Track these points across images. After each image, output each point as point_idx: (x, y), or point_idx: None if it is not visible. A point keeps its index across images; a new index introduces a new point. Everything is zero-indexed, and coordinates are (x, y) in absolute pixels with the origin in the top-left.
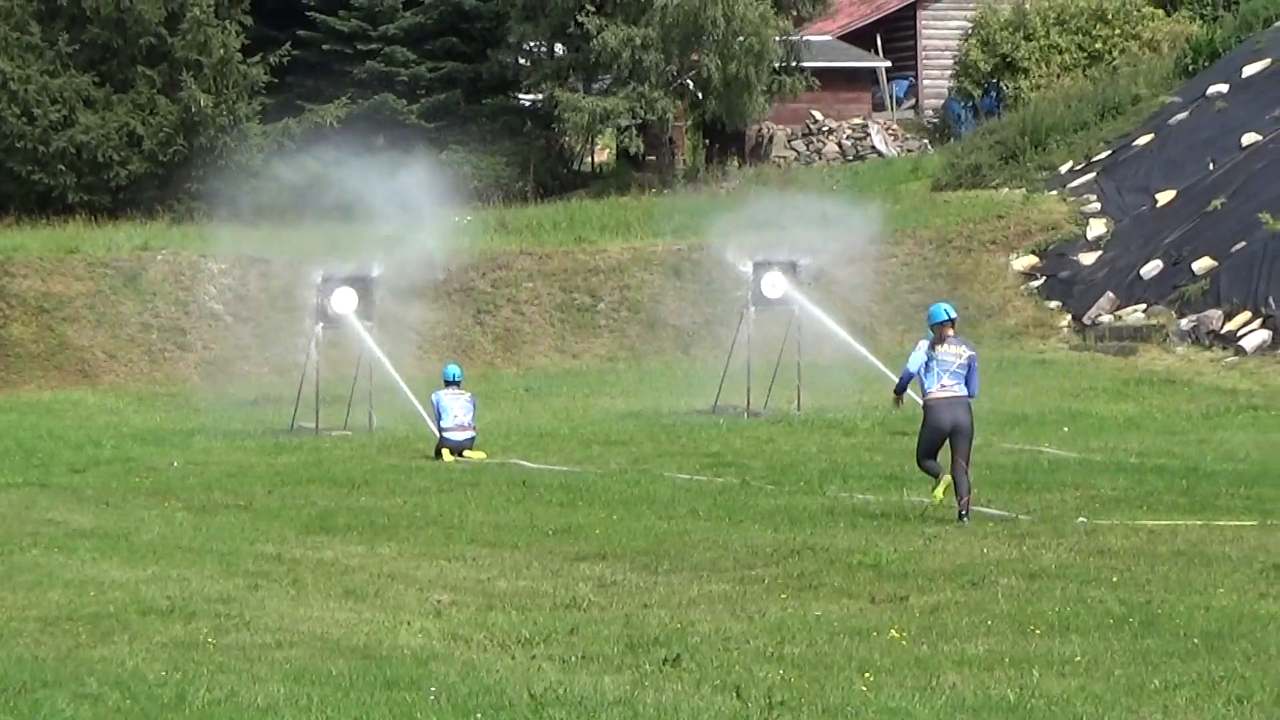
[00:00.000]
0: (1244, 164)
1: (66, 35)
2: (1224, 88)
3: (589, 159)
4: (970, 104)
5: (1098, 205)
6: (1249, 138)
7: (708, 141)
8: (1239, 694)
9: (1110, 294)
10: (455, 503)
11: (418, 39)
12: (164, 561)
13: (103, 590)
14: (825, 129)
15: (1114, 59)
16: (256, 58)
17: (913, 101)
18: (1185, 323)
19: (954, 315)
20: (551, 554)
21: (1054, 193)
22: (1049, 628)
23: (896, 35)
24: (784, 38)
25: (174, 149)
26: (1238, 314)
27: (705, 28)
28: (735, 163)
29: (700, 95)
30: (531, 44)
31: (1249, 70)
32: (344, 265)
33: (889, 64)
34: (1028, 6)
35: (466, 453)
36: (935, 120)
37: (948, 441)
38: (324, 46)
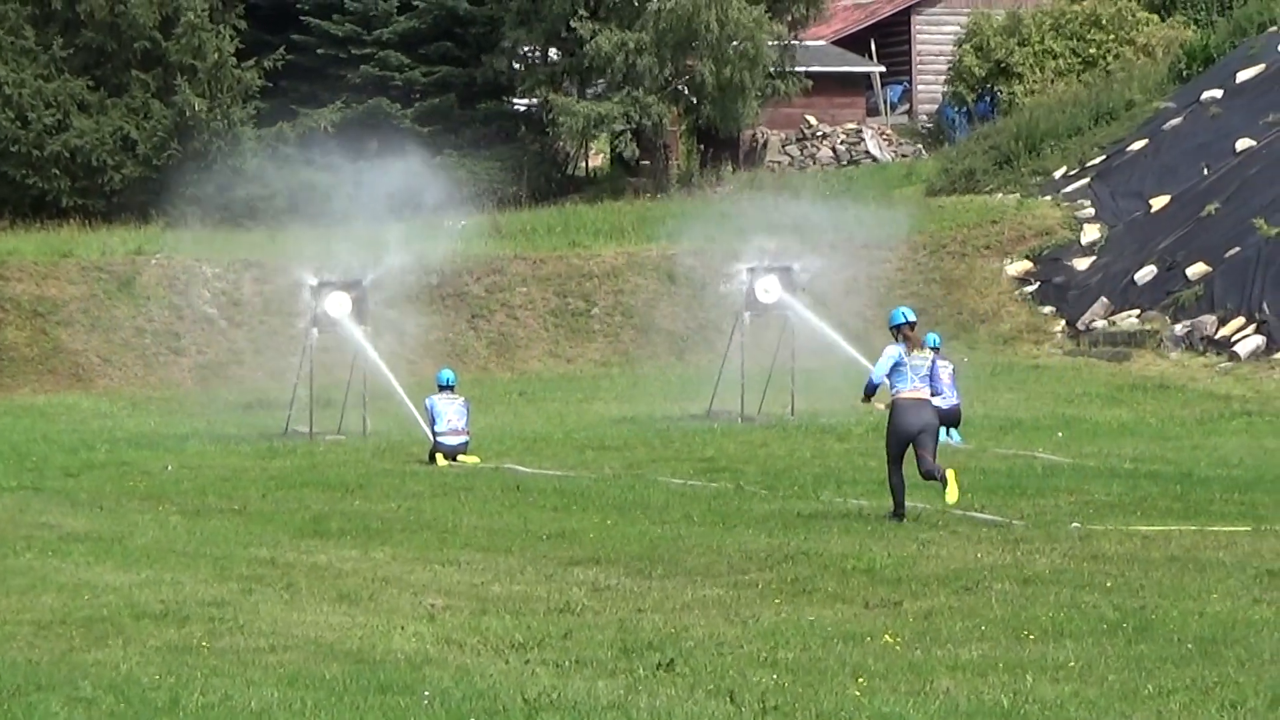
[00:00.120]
0: (1238, 169)
1: (61, 39)
2: (1218, 93)
3: (583, 164)
4: (964, 109)
5: (1092, 210)
6: (1243, 143)
7: (702, 146)
8: (1232, 699)
9: (1104, 299)
10: (449, 507)
11: (412, 43)
12: (158, 565)
13: (96, 594)
14: (819, 134)
15: (1108, 64)
16: (251, 62)
17: (907, 107)
18: (1179, 328)
19: (911, 318)
20: (545, 559)
21: (1048, 198)
22: (1043, 633)
23: (891, 40)
24: (778, 42)
25: (168, 153)
26: (1232, 319)
27: (699, 32)
28: (729, 168)
29: (694, 100)
30: (525, 49)
31: (1243, 75)
32: (338, 270)
33: (883, 69)
34: (1021, 11)
35: (460, 457)
36: (929, 125)
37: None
38: (318, 51)
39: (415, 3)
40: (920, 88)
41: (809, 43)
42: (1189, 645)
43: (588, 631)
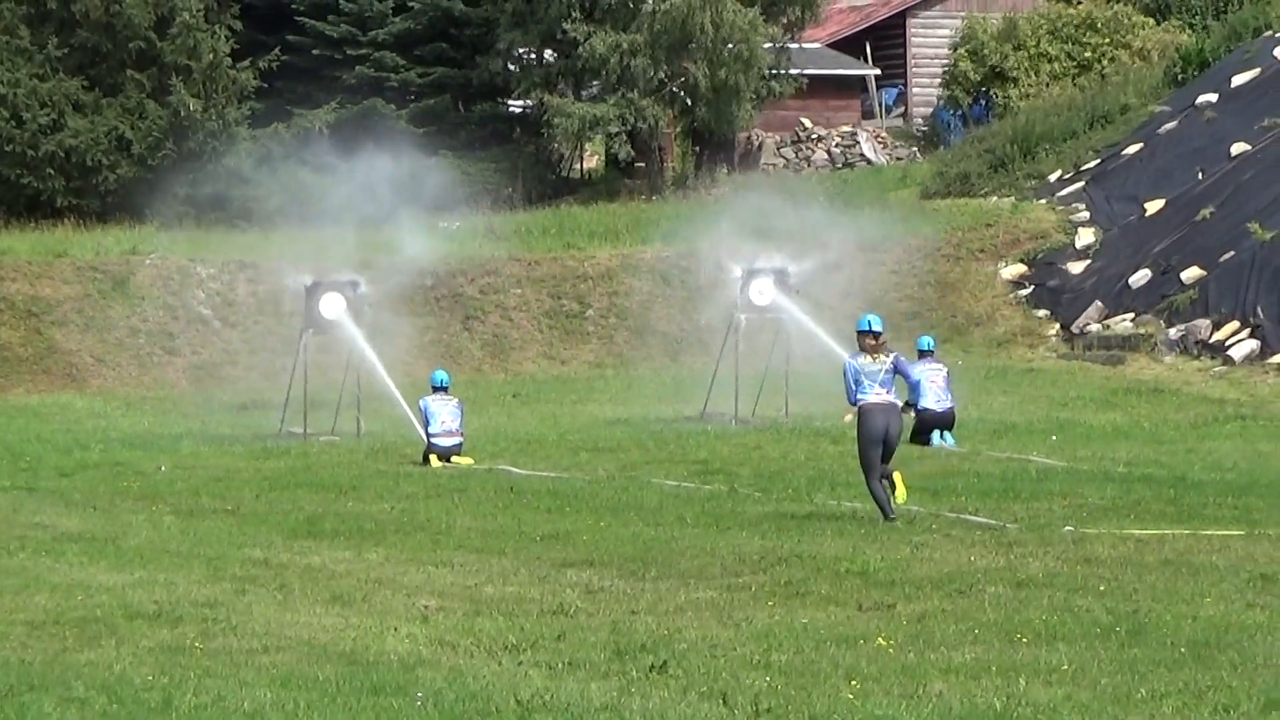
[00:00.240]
0: (1233, 173)
1: (56, 39)
2: (1213, 97)
3: (578, 166)
4: (959, 112)
5: (1086, 214)
6: (1238, 147)
7: (697, 149)
8: (1225, 703)
9: (1099, 303)
10: (443, 508)
11: (407, 44)
12: (151, 566)
13: (90, 594)
14: (814, 136)
15: (1104, 68)
16: (246, 63)
17: (902, 109)
18: (1173, 332)
19: (876, 328)
20: (539, 560)
21: (1043, 201)
22: (1036, 636)
23: (886, 43)
24: (773, 45)
25: (163, 153)
26: (1226, 323)
27: (693, 34)
28: (724, 170)
29: (689, 102)
30: (521, 50)
31: (1238, 80)
32: (332, 270)
33: (878, 72)
34: (1016, 16)
35: (454, 458)
36: (924, 128)
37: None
38: (313, 52)
39: (410, 4)
40: (915, 91)
41: (804, 45)
42: (1182, 649)
43: (581, 633)
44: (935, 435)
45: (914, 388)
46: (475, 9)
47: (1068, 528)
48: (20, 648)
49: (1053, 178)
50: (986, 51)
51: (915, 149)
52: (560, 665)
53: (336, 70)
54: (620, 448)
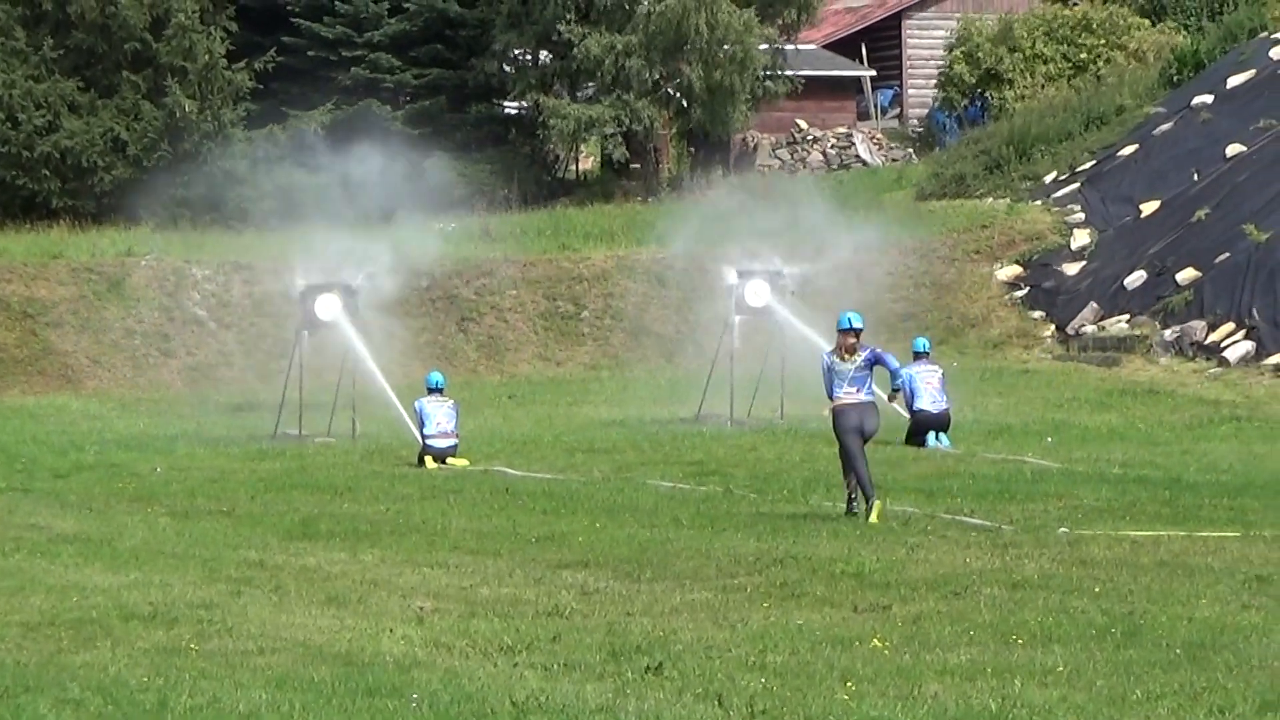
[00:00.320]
0: (1228, 175)
1: (51, 40)
2: (1208, 98)
3: (573, 167)
4: (954, 114)
5: (1082, 215)
6: (1233, 148)
7: (692, 150)
8: (1221, 705)
9: (1094, 304)
10: (438, 510)
11: (403, 46)
12: (146, 567)
13: (85, 596)
14: (810, 138)
15: (1099, 69)
16: (241, 64)
17: (897, 111)
18: (1169, 333)
19: (857, 325)
20: (534, 562)
21: (1038, 203)
22: (1031, 638)
23: (881, 44)
24: (769, 46)
25: (158, 154)
26: (1221, 325)
27: (688, 35)
28: (719, 171)
29: (684, 103)
30: (516, 52)
31: (1233, 81)
32: (327, 272)
33: (873, 73)
34: (1012, 18)
35: (449, 460)
36: (920, 130)
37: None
38: (309, 53)
39: (406, 5)
40: (911, 92)
41: (800, 46)
42: (1177, 650)
43: (576, 634)
44: (930, 437)
45: (894, 374)
46: (470, 10)
47: (1063, 529)
48: (15, 649)
49: (1048, 179)
50: (981, 54)
51: (910, 150)
52: (556, 667)
53: (332, 72)
54: (615, 449)
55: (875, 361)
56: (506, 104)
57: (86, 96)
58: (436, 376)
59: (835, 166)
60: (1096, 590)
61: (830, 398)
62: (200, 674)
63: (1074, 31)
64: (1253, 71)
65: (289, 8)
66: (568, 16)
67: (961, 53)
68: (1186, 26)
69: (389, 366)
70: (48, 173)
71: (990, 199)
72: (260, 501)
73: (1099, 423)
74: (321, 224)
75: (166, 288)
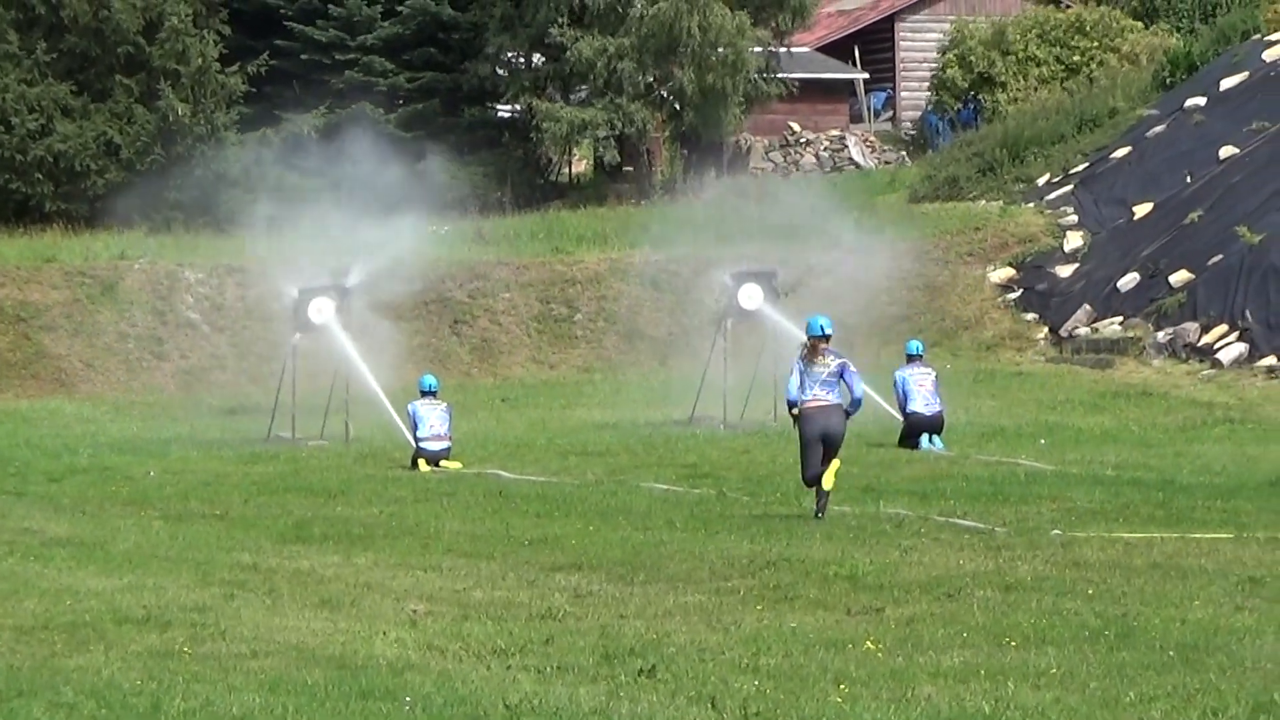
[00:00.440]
0: (1221, 177)
1: (44, 44)
2: (1201, 101)
3: (566, 170)
4: (947, 117)
5: (1075, 218)
6: (1226, 151)
7: (685, 152)
8: (1214, 707)
9: (1087, 306)
10: (431, 513)
11: (396, 49)
12: (140, 570)
13: (79, 599)
14: (803, 140)
15: (1092, 71)
16: (234, 67)
17: (890, 113)
18: (1162, 335)
19: (828, 331)
20: (527, 564)
21: (1031, 205)
22: (1024, 640)
23: (874, 48)
24: (762, 49)
25: (151, 158)
26: (1214, 327)
27: (680, 38)
28: (713, 174)
29: (677, 106)
30: (509, 55)
31: (1226, 83)
32: (321, 275)
33: (866, 76)
34: (1005, 21)
35: (443, 463)
36: (913, 132)
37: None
38: (302, 56)
39: (399, 8)
40: (904, 94)
41: (793, 49)
42: (1171, 652)
43: (569, 637)
44: (924, 439)
45: (856, 402)
46: (464, 13)
47: (1056, 531)
48: (9, 653)
49: (1041, 181)
50: (974, 58)
51: (904, 153)
52: (549, 669)
53: (325, 75)
54: (609, 452)
55: (843, 375)
56: (499, 107)
57: (79, 100)
58: (430, 379)
59: (828, 169)
60: (1090, 592)
61: (791, 401)
62: (193, 677)
63: (1067, 34)
64: (1245, 74)
65: (282, 11)
66: (560, 20)
67: (954, 55)
68: (1179, 29)
69: (382, 369)
70: (41, 176)
71: (983, 201)
72: (254, 505)
73: (1092, 425)
74: (314, 227)
75: (160, 291)
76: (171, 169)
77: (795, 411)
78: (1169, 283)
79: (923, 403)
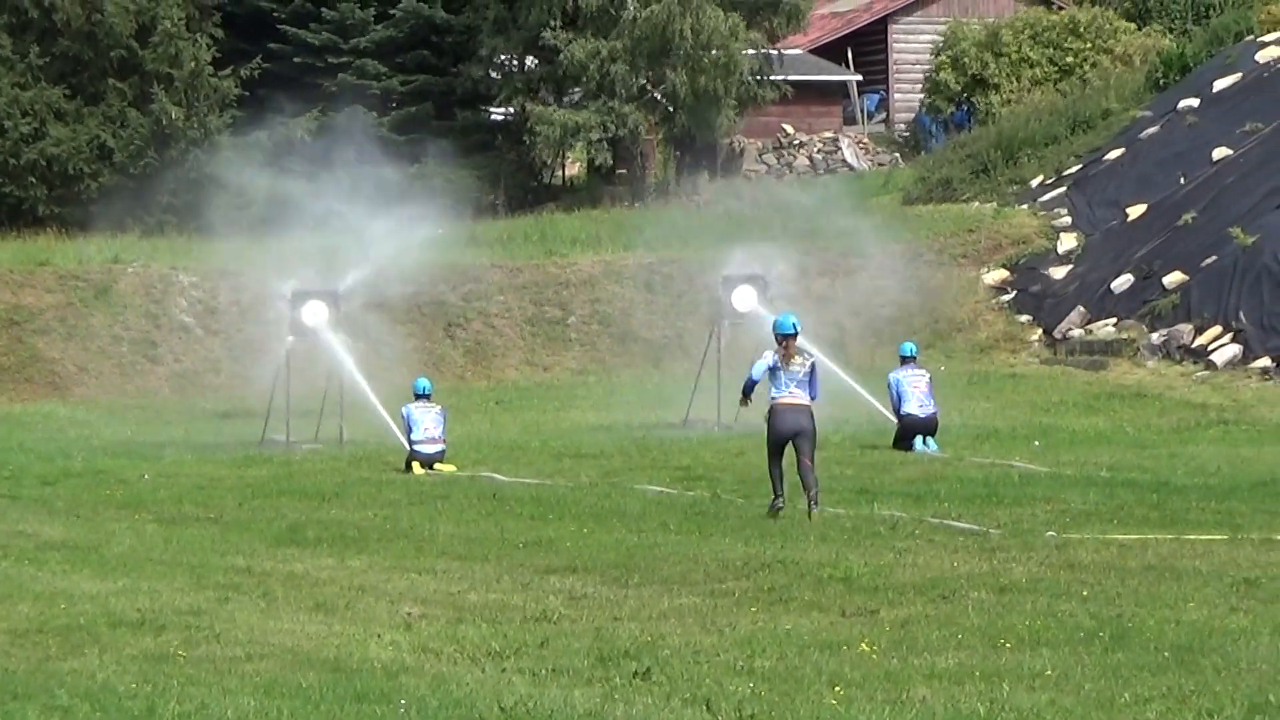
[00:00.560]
0: (1214, 178)
1: (37, 48)
2: (1195, 102)
3: (559, 173)
4: (941, 119)
5: (1068, 219)
6: (1219, 152)
7: (678, 155)
8: (1209, 708)
9: (1081, 308)
10: (425, 516)
11: (389, 52)
12: (134, 574)
13: (73, 603)
14: (796, 142)
15: (1085, 73)
16: (228, 70)
17: (883, 115)
18: (1156, 337)
19: (799, 327)
20: (522, 567)
21: (1025, 207)
22: (1019, 641)
23: (867, 49)
24: (756, 51)
25: (145, 162)
26: (1208, 328)
27: (673, 41)
28: (706, 176)
29: (670, 109)
30: (502, 57)
31: (1219, 85)
32: (314, 278)
33: (860, 78)
34: (998, 24)
35: (437, 465)
36: (906, 134)
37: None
38: (295, 60)
39: (392, 12)
40: (897, 96)
41: (786, 51)
42: (1165, 654)
43: (564, 640)
44: (918, 441)
45: (812, 399)
46: (457, 16)
47: (1050, 533)
48: (3, 656)
49: (1035, 183)
50: (967, 60)
51: (897, 155)
52: (543, 672)
53: (318, 78)
54: (603, 454)
55: (811, 376)
56: (493, 110)
57: (73, 104)
58: (424, 382)
59: (821, 171)
60: (1084, 594)
61: (750, 381)
62: (188, 681)
63: (1060, 35)
64: (1239, 75)
65: (275, 14)
66: (553, 22)
67: (948, 57)
68: (1172, 30)
69: (376, 372)
70: (34, 180)
71: (977, 203)
72: (248, 508)
73: (1086, 426)
74: (308, 230)
75: (153, 295)
76: (165, 172)
77: (748, 398)
78: (1163, 284)
79: (917, 405)
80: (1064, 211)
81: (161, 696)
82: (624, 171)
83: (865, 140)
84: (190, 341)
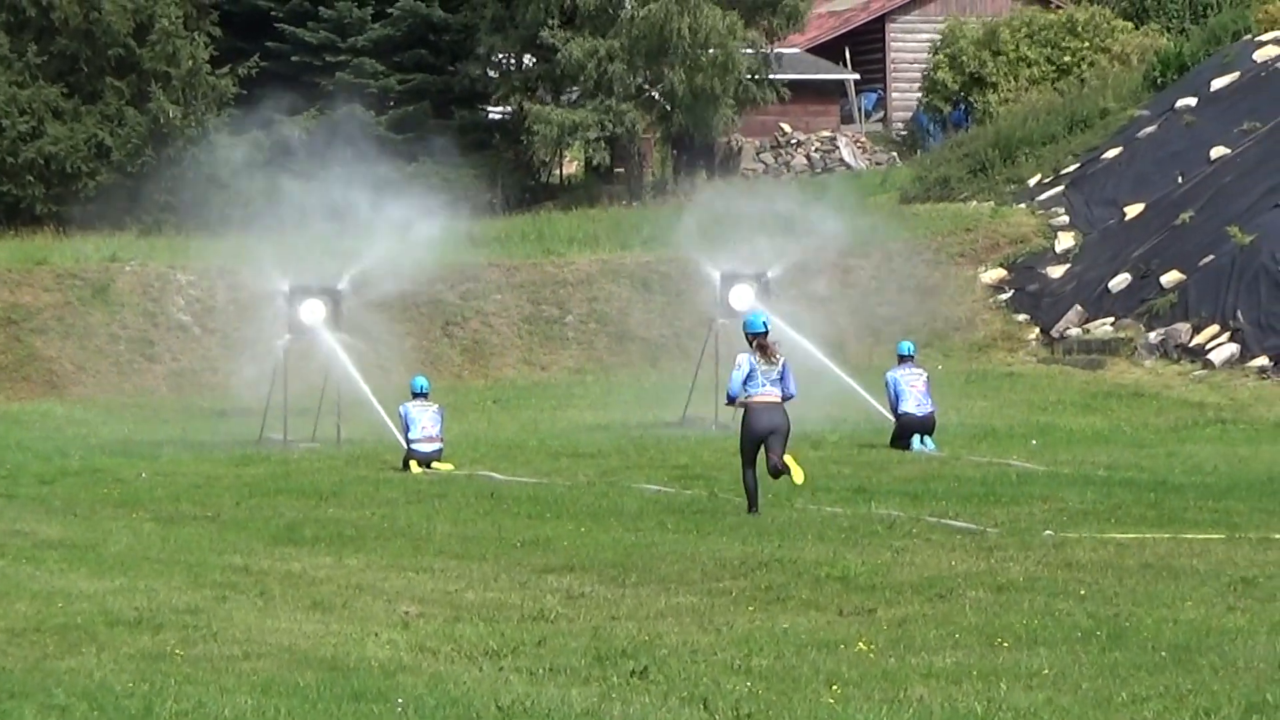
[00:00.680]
0: (1212, 178)
1: (35, 46)
2: (1192, 101)
3: (557, 171)
4: (938, 118)
5: (1066, 218)
6: (1217, 151)
7: (676, 154)
8: (1206, 707)
9: (1078, 307)
10: (423, 514)
11: (386, 51)
12: (131, 573)
13: (70, 601)
14: (794, 141)
15: (1083, 72)
16: (225, 69)
17: (881, 114)
18: (1153, 336)
19: (769, 325)
20: (519, 566)
21: (1022, 206)
22: (1017, 640)
23: (865, 48)
24: (754, 50)
25: (142, 160)
26: (1206, 327)
27: (671, 39)
28: (704, 175)
29: (668, 108)
30: (500, 56)
31: (1217, 84)
32: (312, 277)
33: (857, 77)
34: (996, 22)
35: (434, 464)
36: (904, 133)
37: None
38: (292, 58)
39: (390, 10)
40: (895, 95)
41: (784, 50)
42: (1163, 653)
43: (561, 639)
44: (915, 440)
45: (790, 397)
46: (454, 15)
47: (1048, 532)
48: (0, 655)
49: (1032, 182)
50: (965, 59)
51: (895, 154)
52: (541, 671)
53: (316, 77)
54: (600, 453)
55: (784, 374)
56: (490, 109)
57: (70, 102)
58: (421, 381)
59: (819, 170)
60: (1082, 593)
61: (732, 398)
62: (185, 679)
63: (1058, 34)
64: (1236, 74)
65: (273, 13)
66: (551, 21)
67: (945, 56)
68: (1170, 29)
69: (374, 371)
70: (32, 179)
71: (974, 202)
72: (245, 507)
73: (1084, 425)
74: (305, 229)
75: (151, 293)
76: (162, 171)
77: (738, 403)
78: (1160, 283)
79: (914, 403)
80: (1061, 211)
81: (159, 695)
82: (621, 170)
83: (863, 139)
84: (188, 340)
